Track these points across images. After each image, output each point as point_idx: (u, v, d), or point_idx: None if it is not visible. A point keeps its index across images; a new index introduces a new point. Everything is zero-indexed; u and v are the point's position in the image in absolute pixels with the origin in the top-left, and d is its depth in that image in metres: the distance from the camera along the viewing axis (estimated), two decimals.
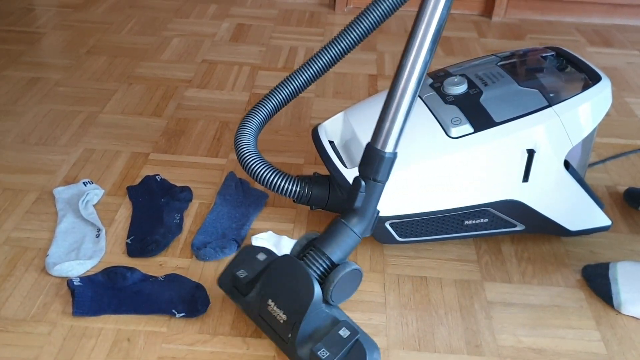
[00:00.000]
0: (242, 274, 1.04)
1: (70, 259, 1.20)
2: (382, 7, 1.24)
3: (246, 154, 1.23)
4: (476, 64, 1.33)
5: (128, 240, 1.26)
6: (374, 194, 1.01)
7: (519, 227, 1.25)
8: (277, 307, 0.98)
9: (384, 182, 1.01)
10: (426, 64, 0.98)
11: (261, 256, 1.07)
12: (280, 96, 1.30)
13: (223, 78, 1.92)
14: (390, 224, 1.20)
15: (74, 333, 1.07)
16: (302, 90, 1.31)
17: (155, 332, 1.08)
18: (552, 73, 1.27)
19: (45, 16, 2.30)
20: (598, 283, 1.19)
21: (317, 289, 0.96)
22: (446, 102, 1.21)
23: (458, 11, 2.52)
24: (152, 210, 1.33)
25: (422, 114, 1.21)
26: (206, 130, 1.65)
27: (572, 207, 1.24)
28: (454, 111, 1.18)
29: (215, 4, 2.48)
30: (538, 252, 1.29)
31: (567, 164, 1.20)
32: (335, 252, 1.00)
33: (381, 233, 1.21)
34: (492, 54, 1.37)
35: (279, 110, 1.33)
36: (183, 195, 1.37)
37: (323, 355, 0.91)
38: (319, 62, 1.28)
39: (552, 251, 1.29)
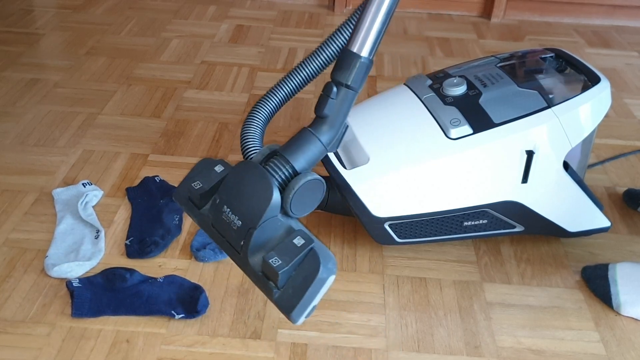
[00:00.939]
0: (197, 185, 0.98)
1: (70, 260, 1.19)
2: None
3: (250, 149, 1.23)
4: (475, 65, 1.33)
5: (127, 242, 1.25)
6: (345, 102, 0.95)
7: (518, 228, 1.25)
8: (232, 214, 0.92)
9: (356, 90, 0.95)
10: None
11: (218, 168, 1.00)
12: (288, 87, 1.29)
13: (222, 79, 1.92)
14: (390, 225, 1.20)
15: (73, 334, 1.07)
16: (310, 80, 1.30)
17: (155, 334, 1.08)
18: (551, 74, 1.27)
19: (44, 17, 2.30)
20: (597, 284, 1.19)
21: (276, 194, 0.90)
22: (445, 103, 1.21)
23: (457, 12, 2.52)
24: (152, 211, 1.33)
25: (421, 115, 1.21)
26: (205, 131, 1.65)
27: (571, 208, 1.24)
28: (453, 112, 1.18)
29: (215, 5, 2.48)
30: (537, 253, 1.29)
31: (566, 165, 1.20)
32: (298, 160, 0.93)
33: (380, 234, 1.21)
34: (492, 55, 1.37)
35: (286, 102, 1.32)
36: None
37: (275, 263, 0.86)
38: (323, 54, 1.27)
39: (552, 252, 1.29)
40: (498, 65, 1.30)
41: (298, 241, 0.89)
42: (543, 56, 1.32)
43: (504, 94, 1.20)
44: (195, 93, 1.84)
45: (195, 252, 1.22)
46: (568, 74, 1.28)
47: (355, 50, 0.94)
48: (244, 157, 1.24)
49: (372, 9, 0.94)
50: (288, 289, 0.87)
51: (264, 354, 1.05)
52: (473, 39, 2.31)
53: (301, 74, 1.28)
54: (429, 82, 1.29)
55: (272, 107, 1.30)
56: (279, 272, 0.86)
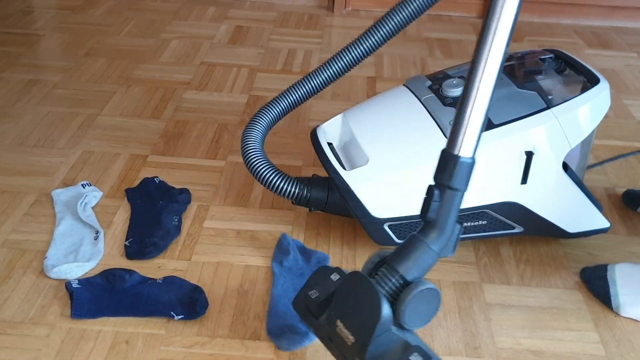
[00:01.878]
0: (313, 294, 0.97)
1: (69, 261, 1.19)
2: (403, 13, 1.24)
3: (250, 152, 1.23)
4: None
5: (126, 243, 1.25)
6: (451, 204, 0.90)
7: (518, 229, 1.25)
8: (346, 328, 0.90)
9: (462, 190, 0.90)
10: (504, 54, 0.87)
11: (334, 276, 0.99)
12: (293, 96, 1.30)
13: (222, 80, 1.92)
14: (389, 226, 1.20)
15: (72, 335, 1.07)
16: (315, 93, 1.31)
17: (154, 335, 1.08)
18: (550, 75, 1.27)
19: (43, 18, 2.30)
20: (597, 285, 1.19)
21: (386, 308, 0.87)
22: (445, 104, 1.21)
23: (456, 13, 2.52)
24: (151, 212, 1.33)
25: (420, 116, 1.21)
26: (205, 132, 1.65)
27: (571, 209, 1.24)
28: (452, 113, 1.18)
29: (214, 6, 2.48)
30: (537, 254, 1.29)
31: (565, 166, 1.21)
32: (409, 270, 0.89)
33: (380, 235, 1.21)
34: None
35: (290, 112, 1.32)
36: (182, 198, 1.37)
37: None
38: (332, 68, 1.28)
39: (551, 253, 1.29)
40: None
41: (415, 358, 0.85)
42: (542, 57, 1.33)
43: (503, 95, 1.20)
44: (194, 94, 1.84)
45: (277, 342, 1.09)
46: (567, 75, 1.28)
47: (455, 152, 0.88)
48: (244, 162, 1.24)
49: (469, 106, 0.88)
50: None
51: (263, 355, 1.05)
52: (472, 40, 2.31)
53: (310, 83, 1.29)
54: (429, 83, 1.29)
55: (277, 112, 1.31)
56: None
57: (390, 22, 1.25)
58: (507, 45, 0.86)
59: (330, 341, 0.94)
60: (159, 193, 1.38)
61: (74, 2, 2.46)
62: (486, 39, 0.86)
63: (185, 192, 1.39)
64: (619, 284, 1.17)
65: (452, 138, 0.89)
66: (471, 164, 0.89)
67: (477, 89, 0.87)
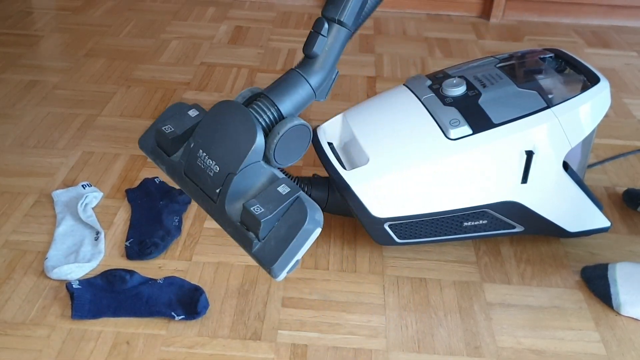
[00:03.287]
0: (168, 129, 0.88)
1: (69, 262, 1.19)
2: None
3: None
4: (475, 66, 1.33)
5: (127, 243, 1.25)
6: (337, 40, 0.86)
7: (518, 229, 1.25)
8: (209, 158, 0.83)
9: (349, 28, 0.86)
10: None
11: (193, 112, 0.91)
12: None
13: (221, 80, 1.92)
14: (389, 226, 1.20)
15: (73, 336, 1.07)
16: None
17: (155, 335, 1.08)
18: (550, 74, 1.27)
19: (43, 19, 2.30)
20: (597, 284, 1.19)
21: (260, 136, 0.81)
22: (445, 104, 1.21)
23: (456, 13, 2.52)
24: (151, 213, 1.33)
25: (420, 116, 1.21)
26: None
27: (571, 209, 1.24)
28: (453, 113, 1.18)
29: (214, 7, 2.48)
30: (537, 253, 1.29)
31: (566, 165, 1.21)
32: (284, 103, 0.85)
33: (380, 235, 1.21)
34: (491, 56, 1.37)
35: None
36: (182, 198, 1.37)
37: (257, 211, 0.78)
38: None
39: (551, 252, 1.29)
40: (497, 65, 1.30)
41: (283, 189, 0.81)
42: (542, 56, 1.33)
43: (503, 95, 1.20)
44: (194, 94, 1.84)
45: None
46: (567, 74, 1.28)
47: None
48: None
49: None
50: (270, 241, 0.79)
51: (264, 355, 1.05)
52: (472, 39, 2.31)
53: None
54: (429, 82, 1.29)
55: None
56: (262, 221, 0.78)
57: None
58: None
59: (187, 177, 0.87)
60: (160, 193, 1.38)
61: (73, 3, 2.46)
62: None
63: (183, 192, 1.39)
64: (620, 283, 1.17)
65: None
66: (364, 0, 0.86)
67: None
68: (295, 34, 2.28)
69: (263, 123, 0.84)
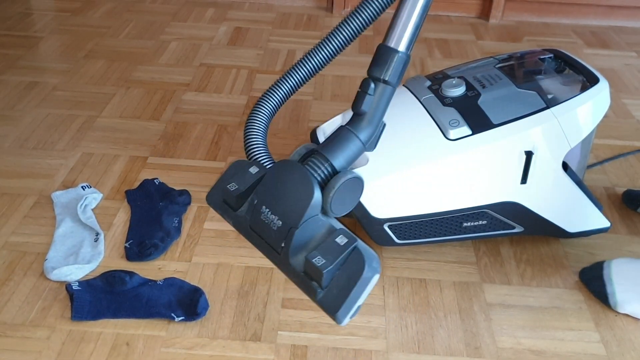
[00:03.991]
0: (232, 186, 0.96)
1: (69, 263, 1.19)
2: None
3: (253, 149, 1.22)
4: (474, 66, 1.33)
5: (127, 244, 1.25)
6: (383, 98, 0.93)
7: (518, 229, 1.25)
8: (272, 214, 0.90)
9: (394, 85, 0.93)
10: None
11: (253, 169, 0.98)
12: (289, 84, 1.28)
13: (221, 81, 1.92)
14: (389, 226, 1.20)
15: (72, 337, 1.07)
16: (310, 77, 1.28)
17: (154, 336, 1.08)
18: (550, 75, 1.27)
19: (42, 20, 2.30)
20: (595, 285, 1.19)
21: (317, 192, 0.88)
22: (444, 104, 1.21)
23: (455, 14, 2.52)
24: (151, 214, 1.33)
25: (420, 116, 1.21)
26: (204, 134, 1.65)
27: (571, 209, 1.24)
28: (452, 113, 1.18)
29: (213, 8, 2.48)
30: (537, 253, 1.29)
31: (565, 166, 1.21)
32: (337, 159, 0.92)
33: (380, 235, 1.21)
34: (490, 56, 1.37)
35: (287, 99, 1.30)
36: (182, 199, 1.37)
37: (318, 263, 0.84)
38: (325, 49, 1.26)
39: (551, 253, 1.29)
40: (497, 66, 1.30)
41: (341, 240, 0.87)
42: (542, 57, 1.33)
43: (502, 95, 1.20)
44: (194, 95, 1.84)
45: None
46: (567, 74, 1.28)
47: (392, 45, 0.92)
48: (247, 157, 1.24)
49: (409, 3, 0.92)
50: (332, 289, 0.85)
51: (264, 356, 1.05)
52: (471, 40, 2.31)
53: (301, 71, 1.27)
54: (428, 83, 1.29)
55: (274, 104, 1.29)
56: (324, 272, 0.84)
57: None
58: None
59: (252, 231, 0.94)
60: (159, 194, 1.38)
61: (73, 4, 2.46)
62: None
63: (185, 193, 1.39)
64: (615, 281, 1.17)
65: (390, 32, 0.93)
66: (406, 59, 0.93)
67: None
68: (295, 35, 2.28)
69: (319, 178, 0.91)
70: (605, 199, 1.46)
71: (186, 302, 1.12)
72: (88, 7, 2.43)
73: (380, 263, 0.87)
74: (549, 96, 1.19)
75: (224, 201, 0.99)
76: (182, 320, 1.10)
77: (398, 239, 1.21)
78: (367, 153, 1.18)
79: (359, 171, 1.17)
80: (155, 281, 1.16)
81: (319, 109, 1.79)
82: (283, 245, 0.89)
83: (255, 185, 0.96)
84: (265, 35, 2.26)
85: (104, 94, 1.82)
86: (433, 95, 1.24)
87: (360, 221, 1.19)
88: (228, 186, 0.97)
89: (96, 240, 1.26)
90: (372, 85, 0.92)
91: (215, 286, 1.18)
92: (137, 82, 1.90)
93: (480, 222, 1.22)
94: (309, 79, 1.29)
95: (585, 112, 1.19)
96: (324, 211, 0.91)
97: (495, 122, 1.16)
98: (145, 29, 2.27)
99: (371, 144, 0.95)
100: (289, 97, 1.30)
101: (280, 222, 0.90)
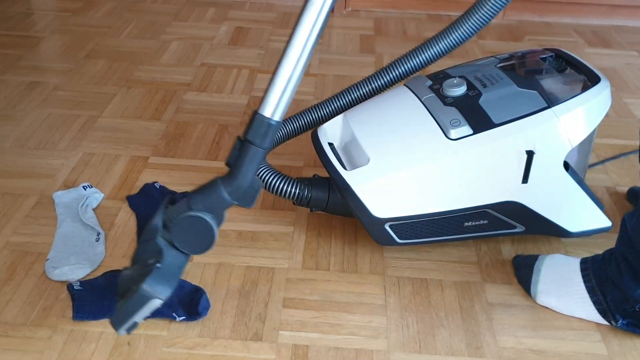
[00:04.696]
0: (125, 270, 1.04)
1: (70, 263, 1.19)
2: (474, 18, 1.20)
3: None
4: (475, 66, 1.33)
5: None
6: (247, 155, 0.98)
7: (519, 229, 1.25)
8: (129, 265, 1.02)
9: (259, 146, 0.98)
10: (321, 27, 0.96)
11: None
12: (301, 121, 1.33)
13: (222, 81, 1.92)
14: (390, 226, 1.20)
15: (74, 337, 1.07)
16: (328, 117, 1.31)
17: (156, 336, 1.08)
18: (551, 74, 1.27)
19: (43, 20, 2.30)
20: (522, 272, 1.21)
21: (158, 219, 0.99)
22: (445, 104, 1.21)
23: (456, 13, 2.50)
24: None
25: (421, 116, 1.21)
26: (205, 134, 1.65)
27: (572, 209, 1.24)
28: (453, 113, 1.18)
29: (214, 8, 2.48)
30: (538, 253, 1.29)
31: (566, 165, 1.20)
32: (196, 201, 0.99)
33: (381, 235, 1.21)
34: (491, 56, 1.37)
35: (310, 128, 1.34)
36: None
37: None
38: (363, 88, 1.28)
39: (553, 252, 1.29)
40: (498, 65, 1.30)
41: (152, 260, 0.96)
42: (543, 56, 1.32)
43: (503, 95, 1.20)
44: (195, 95, 1.84)
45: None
46: (568, 74, 1.28)
47: (259, 110, 0.99)
48: None
49: (279, 73, 0.97)
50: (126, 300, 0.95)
51: (265, 356, 1.05)
52: (472, 39, 2.30)
53: (328, 107, 1.30)
54: (429, 82, 1.29)
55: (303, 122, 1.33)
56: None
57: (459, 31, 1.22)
58: (324, 21, 0.95)
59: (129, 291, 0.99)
60: (162, 198, 1.38)
61: (73, 4, 2.46)
62: (306, 9, 0.95)
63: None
64: (543, 273, 1.17)
65: (262, 99, 1.00)
66: (268, 123, 0.98)
67: (288, 59, 0.96)
68: None
69: (170, 212, 1.00)
70: (606, 198, 1.46)
71: (187, 302, 1.12)
72: (89, 7, 2.43)
73: (167, 294, 0.94)
74: (550, 96, 1.19)
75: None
76: (184, 319, 1.10)
77: (399, 238, 1.21)
78: (368, 153, 1.18)
79: (360, 171, 1.17)
80: None
81: None
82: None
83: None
84: (266, 35, 2.26)
85: (105, 93, 1.82)
86: (434, 94, 1.24)
87: (361, 221, 1.19)
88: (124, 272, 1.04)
89: (97, 240, 1.26)
90: (239, 142, 0.99)
91: (217, 286, 1.18)
92: (138, 82, 1.90)
93: (482, 222, 1.22)
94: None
95: (586, 111, 1.19)
96: (171, 243, 0.99)
97: (496, 122, 1.16)
98: (146, 28, 2.27)
99: (245, 199, 1.00)
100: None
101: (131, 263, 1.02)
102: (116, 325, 0.96)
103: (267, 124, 0.98)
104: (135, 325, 0.96)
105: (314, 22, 0.95)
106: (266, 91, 0.99)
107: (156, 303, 0.94)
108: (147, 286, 0.92)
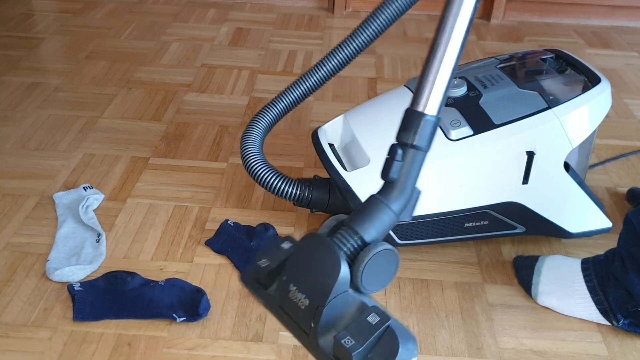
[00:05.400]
0: (263, 263, 0.91)
1: (71, 264, 1.19)
2: (388, 12, 1.24)
3: (249, 156, 1.23)
4: (476, 67, 1.33)
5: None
6: (414, 163, 0.88)
7: (520, 229, 1.25)
8: (299, 292, 0.85)
9: (425, 150, 0.88)
10: (474, 9, 0.86)
11: (286, 244, 0.93)
12: (289, 98, 1.30)
13: (222, 82, 1.92)
14: None
15: (74, 338, 1.07)
16: (311, 92, 1.31)
17: (156, 337, 1.08)
18: (551, 75, 1.27)
19: (44, 21, 2.30)
20: (522, 273, 1.21)
21: (344, 267, 0.83)
22: (445, 105, 1.21)
23: None
24: (250, 255, 1.25)
25: None
26: (206, 135, 1.65)
27: (573, 209, 1.24)
28: (454, 113, 1.18)
29: (214, 9, 2.48)
30: (539, 254, 1.29)
31: (567, 166, 1.20)
32: (368, 231, 0.86)
33: None
34: (492, 57, 1.37)
35: (288, 112, 1.32)
36: (270, 233, 1.30)
37: (347, 344, 0.78)
38: (327, 66, 1.28)
39: (553, 253, 1.29)
40: (498, 66, 1.30)
41: (372, 319, 0.81)
42: (543, 57, 1.33)
43: (504, 95, 1.20)
44: (195, 96, 1.84)
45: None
46: (568, 74, 1.28)
47: (419, 109, 0.87)
48: (244, 166, 1.24)
49: (435, 63, 0.87)
50: None
51: (265, 357, 1.05)
52: (473, 40, 2.31)
53: (307, 83, 1.29)
54: None
55: (274, 114, 1.30)
56: (353, 354, 0.78)
57: (381, 17, 1.25)
58: (477, 1, 0.85)
59: (282, 310, 0.89)
60: (244, 235, 1.30)
61: (74, 5, 2.46)
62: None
63: (269, 227, 1.31)
64: (543, 274, 1.17)
65: (417, 96, 0.87)
66: (435, 122, 0.87)
67: (446, 46, 0.86)
68: (296, 35, 2.28)
69: (347, 252, 0.85)
70: (607, 199, 1.46)
71: (188, 303, 1.12)
72: (89, 8, 2.44)
73: (417, 344, 0.82)
74: (551, 96, 1.19)
75: (256, 279, 0.93)
76: (184, 320, 1.10)
77: (399, 239, 1.21)
78: (368, 154, 1.18)
79: (361, 172, 1.17)
80: (157, 282, 1.16)
81: (320, 109, 1.79)
82: (312, 325, 0.84)
83: (287, 259, 0.91)
84: (266, 35, 2.26)
85: (105, 94, 1.82)
86: None
87: None
88: (259, 262, 0.91)
89: (98, 241, 1.26)
90: (400, 151, 0.87)
91: (217, 287, 1.18)
92: (139, 82, 1.90)
93: (482, 223, 1.22)
94: (315, 90, 1.31)
95: (586, 112, 1.19)
96: (355, 287, 0.85)
97: (496, 123, 1.16)
98: (147, 29, 2.27)
99: (406, 212, 0.89)
100: (293, 107, 1.32)
101: (308, 301, 0.84)
102: None
103: (434, 122, 0.86)
104: None
105: (470, 12, 0.86)
106: (424, 87, 0.86)
107: None
108: (402, 350, 0.79)
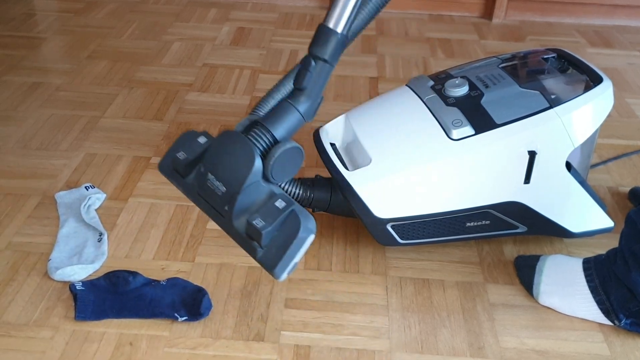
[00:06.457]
0: (181, 155, 1.04)
1: (73, 263, 1.20)
2: None
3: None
4: (477, 66, 1.33)
5: None
6: (322, 75, 1.01)
7: (521, 229, 1.24)
8: (216, 180, 0.98)
9: (332, 64, 1.01)
10: None
11: (202, 139, 1.06)
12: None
13: (224, 82, 1.92)
14: (392, 226, 1.20)
15: (76, 337, 1.07)
16: None
17: (158, 336, 1.08)
18: (553, 75, 1.27)
19: (46, 21, 2.30)
20: (524, 272, 1.20)
21: (258, 161, 0.96)
22: (447, 104, 1.21)
23: (458, 13, 2.52)
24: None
25: (423, 116, 1.20)
26: None
27: (574, 209, 1.24)
28: (455, 113, 1.18)
29: (216, 8, 2.48)
30: (540, 253, 1.29)
31: (568, 166, 1.20)
32: (278, 130, 0.99)
33: (383, 235, 1.21)
34: (493, 56, 1.37)
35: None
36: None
37: (258, 224, 0.92)
38: None
39: (555, 253, 1.29)
40: (500, 65, 1.30)
41: (279, 204, 0.94)
42: (545, 56, 1.32)
43: (505, 95, 1.20)
44: (197, 96, 1.84)
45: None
46: (570, 74, 1.28)
47: (331, 25, 0.99)
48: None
49: None
50: (271, 248, 0.93)
51: (267, 356, 1.05)
52: (474, 39, 2.31)
53: None
54: (431, 83, 1.29)
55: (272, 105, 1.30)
56: (263, 232, 0.91)
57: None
58: None
59: (200, 197, 1.01)
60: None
61: (76, 5, 2.46)
62: None
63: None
64: (545, 273, 1.17)
65: (331, 12, 0.99)
66: (343, 41, 0.99)
67: None
68: (297, 34, 2.28)
69: (260, 147, 0.98)
70: (609, 198, 1.46)
71: (189, 302, 1.12)
72: (91, 8, 2.44)
73: (315, 224, 0.94)
74: (552, 96, 1.19)
75: (174, 169, 1.06)
76: (186, 320, 1.10)
77: (401, 239, 1.21)
78: (369, 153, 1.18)
79: (362, 171, 1.17)
80: (158, 281, 1.16)
81: (321, 109, 1.78)
82: (227, 208, 0.96)
83: (203, 154, 1.02)
84: (268, 35, 2.26)
85: (107, 94, 1.82)
86: (436, 95, 1.24)
87: (363, 221, 1.19)
88: (177, 155, 1.04)
89: (100, 240, 1.26)
90: (313, 63, 1.00)
91: (219, 286, 1.18)
92: (140, 82, 1.90)
93: (484, 222, 1.22)
94: None
95: (588, 111, 1.19)
96: (266, 178, 0.97)
97: (498, 122, 1.16)
98: (148, 29, 2.27)
99: (309, 115, 1.04)
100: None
101: (224, 188, 0.97)
102: (279, 272, 0.92)
103: (343, 41, 0.98)
104: (295, 266, 0.94)
105: None
106: (336, 5, 0.98)
107: (312, 238, 0.94)
108: (303, 228, 0.92)
